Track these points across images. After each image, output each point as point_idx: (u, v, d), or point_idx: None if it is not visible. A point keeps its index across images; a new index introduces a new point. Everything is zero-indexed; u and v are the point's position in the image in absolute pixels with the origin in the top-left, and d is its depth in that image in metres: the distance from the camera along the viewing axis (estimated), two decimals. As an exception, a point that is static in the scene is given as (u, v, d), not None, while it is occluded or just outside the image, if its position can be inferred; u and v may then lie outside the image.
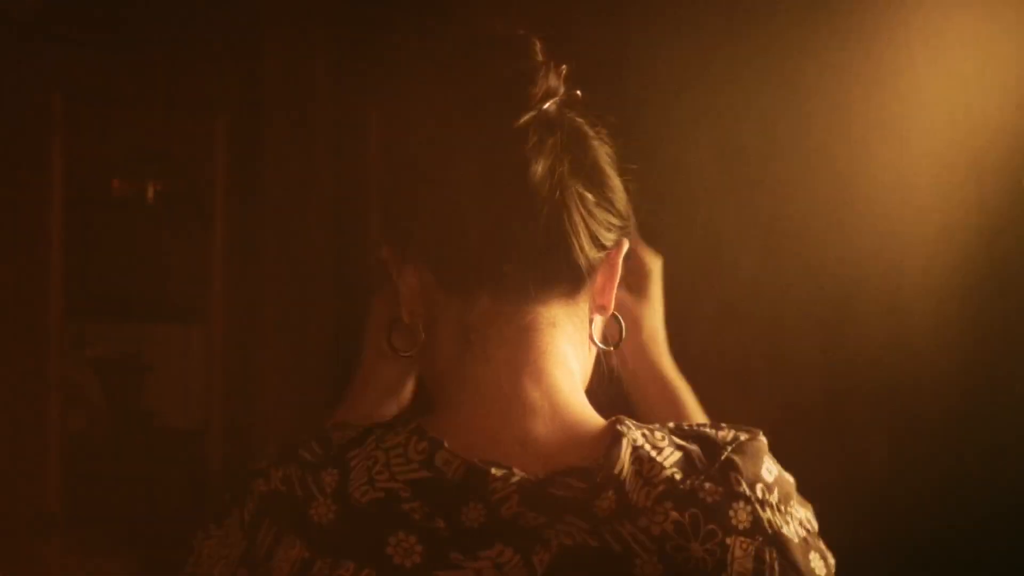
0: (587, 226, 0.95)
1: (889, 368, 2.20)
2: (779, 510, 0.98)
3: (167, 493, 3.24)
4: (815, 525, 1.01)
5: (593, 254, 0.95)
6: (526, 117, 0.93)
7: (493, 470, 0.89)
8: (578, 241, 0.94)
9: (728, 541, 0.92)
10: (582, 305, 0.98)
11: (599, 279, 0.98)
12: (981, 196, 2.11)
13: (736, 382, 2.36)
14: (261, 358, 2.80)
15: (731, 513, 0.94)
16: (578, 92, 0.98)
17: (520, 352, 0.95)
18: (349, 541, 0.87)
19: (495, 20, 1.04)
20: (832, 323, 2.28)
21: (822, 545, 1.00)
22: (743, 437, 0.98)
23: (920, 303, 2.18)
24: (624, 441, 0.92)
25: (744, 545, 0.93)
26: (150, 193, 3.16)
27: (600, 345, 1.00)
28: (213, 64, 2.83)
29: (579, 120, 0.98)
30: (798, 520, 0.99)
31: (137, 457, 3.32)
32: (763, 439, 1.00)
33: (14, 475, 2.58)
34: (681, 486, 0.92)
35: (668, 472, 0.92)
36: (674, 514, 0.91)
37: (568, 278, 0.95)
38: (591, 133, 0.98)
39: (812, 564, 0.97)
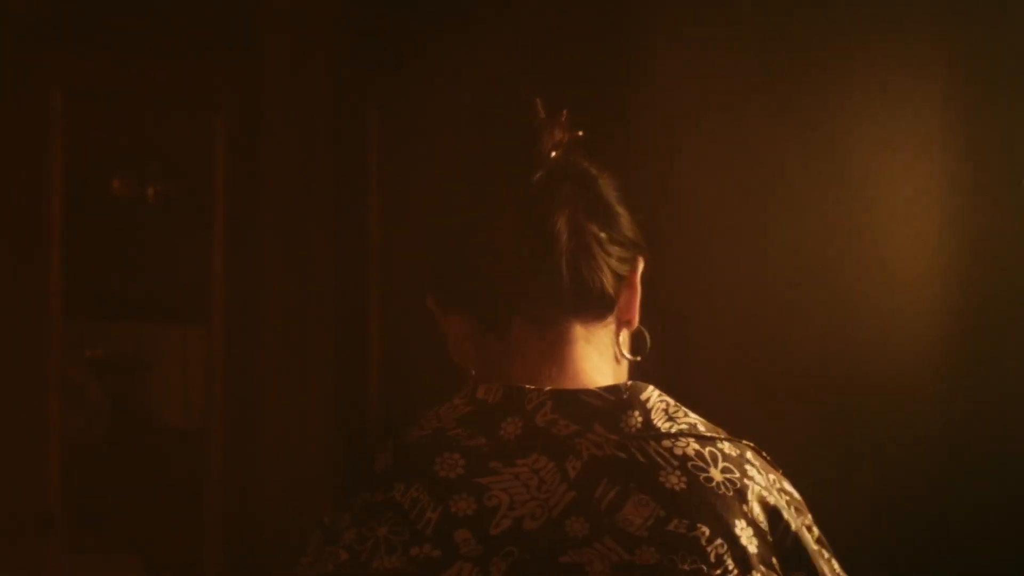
0: (607, 263, 1.06)
1: (889, 369, 2.20)
2: (789, 507, 1.03)
3: (167, 493, 3.24)
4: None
5: (615, 285, 1.07)
6: (539, 174, 1.06)
7: (528, 386, 1.01)
8: (601, 277, 1.06)
9: (746, 482, 1.01)
10: (609, 322, 1.08)
11: (622, 299, 1.08)
12: (981, 196, 2.11)
13: (739, 387, 2.36)
14: (261, 358, 2.80)
15: (747, 467, 1.02)
16: (579, 133, 1.10)
17: (556, 359, 1.05)
18: (399, 470, 0.98)
19: (501, 82, 1.19)
20: (833, 324, 2.28)
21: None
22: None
23: (920, 305, 2.17)
24: (652, 387, 1.04)
25: (760, 492, 1.01)
26: (150, 193, 3.16)
27: (628, 357, 1.10)
28: (213, 64, 2.83)
29: (584, 164, 1.10)
30: (814, 539, 1.04)
31: (137, 457, 3.32)
32: None
33: (14, 475, 2.58)
34: (702, 432, 1.02)
35: (692, 420, 1.04)
36: (695, 445, 1.01)
37: (596, 307, 1.07)
38: (595, 172, 1.10)
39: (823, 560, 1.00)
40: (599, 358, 1.07)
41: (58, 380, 2.64)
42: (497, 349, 1.06)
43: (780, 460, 1.09)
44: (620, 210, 1.09)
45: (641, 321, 1.11)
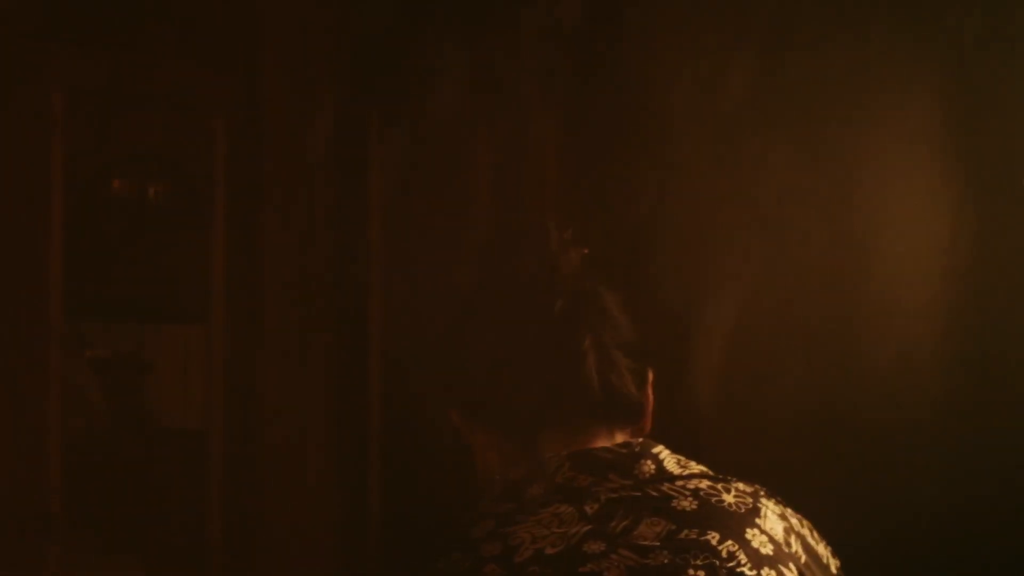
0: (633, 381, 1.14)
1: (889, 369, 2.20)
2: (811, 531, 1.09)
3: (167, 493, 3.24)
4: None
5: (641, 397, 1.15)
6: (560, 303, 1.14)
7: (548, 454, 1.09)
8: (629, 383, 1.14)
9: (759, 505, 1.05)
10: (637, 430, 1.15)
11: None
12: (981, 196, 2.11)
13: (738, 387, 2.36)
14: (261, 358, 2.80)
15: (761, 499, 1.07)
16: (585, 251, 1.18)
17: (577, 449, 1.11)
18: (443, 549, 1.06)
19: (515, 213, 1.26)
20: (833, 323, 2.28)
21: None
22: None
23: (920, 304, 2.17)
24: (662, 446, 1.11)
25: (776, 514, 1.05)
26: (150, 193, 3.16)
27: None
28: (213, 64, 2.83)
29: (597, 287, 1.18)
30: (835, 567, 1.09)
31: (137, 457, 3.31)
32: None
33: (14, 475, 2.58)
34: (714, 475, 1.08)
35: (703, 468, 1.09)
36: (708, 482, 1.07)
37: (627, 413, 1.15)
38: (602, 290, 1.18)
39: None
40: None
41: (58, 380, 2.64)
42: (529, 469, 1.11)
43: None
44: (625, 321, 1.17)
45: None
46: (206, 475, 2.82)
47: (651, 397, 1.18)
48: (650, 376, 1.18)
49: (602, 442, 1.12)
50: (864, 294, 2.25)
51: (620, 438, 1.14)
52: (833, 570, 1.07)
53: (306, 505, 2.77)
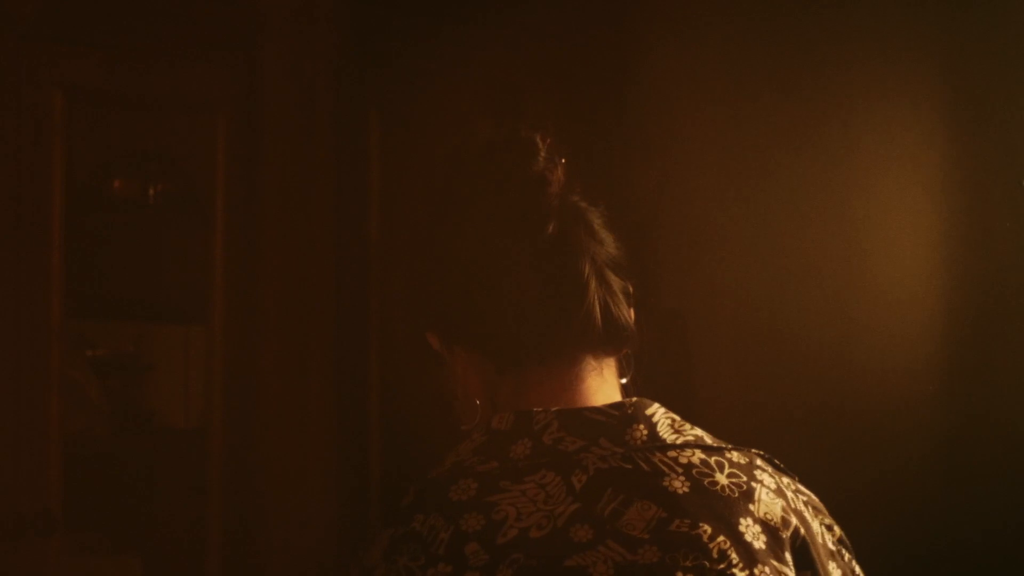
0: (624, 298, 1.10)
1: (889, 369, 2.20)
2: (807, 507, 1.04)
3: (167, 493, 3.24)
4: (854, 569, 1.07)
5: (631, 319, 1.11)
6: (552, 225, 1.08)
7: (536, 408, 1.03)
8: (627, 314, 1.10)
9: (754, 484, 1.01)
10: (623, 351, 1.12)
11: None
12: (981, 196, 2.11)
13: (738, 387, 2.36)
14: (261, 358, 2.80)
15: (756, 472, 1.03)
16: (563, 160, 1.13)
17: (570, 395, 1.07)
18: (419, 504, 1.01)
19: (501, 122, 1.19)
20: (832, 323, 2.28)
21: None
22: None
23: (920, 304, 2.17)
24: (657, 404, 1.06)
25: (770, 492, 1.01)
26: (150, 193, 3.16)
27: (621, 380, 1.13)
28: (213, 64, 2.83)
29: (582, 203, 1.12)
30: (832, 539, 1.05)
31: (137, 457, 3.31)
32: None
33: (14, 475, 2.58)
34: (708, 443, 1.03)
35: (698, 432, 1.05)
36: (701, 455, 1.02)
37: (620, 342, 1.10)
38: (587, 206, 1.13)
39: (829, 568, 0.99)
40: (608, 385, 1.10)
41: (58, 380, 2.64)
42: (509, 386, 1.08)
43: (779, 457, 1.09)
44: (611, 238, 1.13)
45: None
46: (206, 475, 2.82)
47: (633, 314, 1.13)
48: (631, 291, 1.13)
49: (592, 375, 1.08)
50: (864, 293, 2.26)
51: (607, 369, 1.10)
52: (831, 545, 1.03)
53: (306, 505, 2.77)
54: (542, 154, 1.12)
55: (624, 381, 1.12)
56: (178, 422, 3.41)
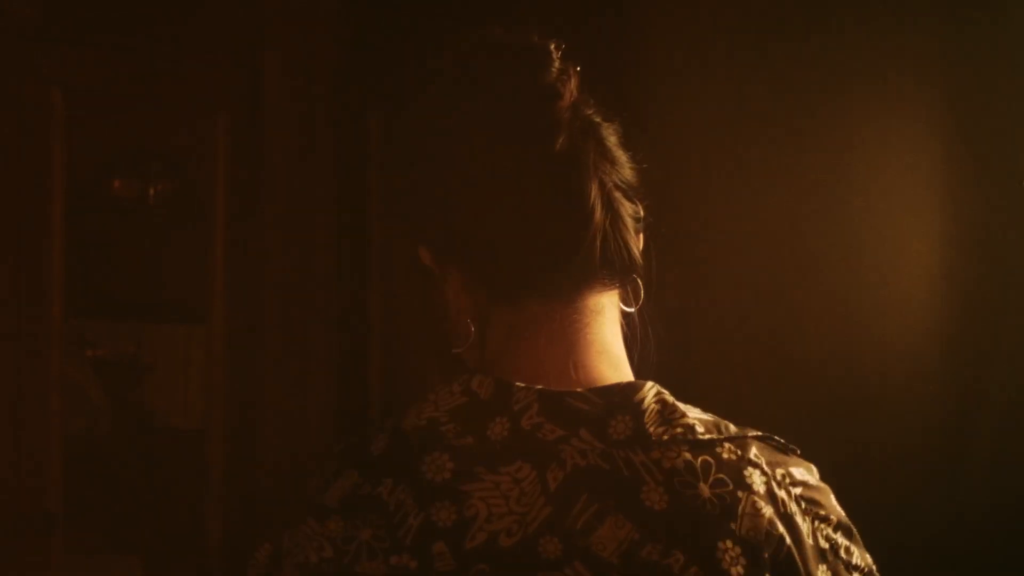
0: (632, 227, 1.02)
1: (888, 368, 2.20)
2: (799, 504, 0.98)
3: (167, 493, 3.24)
4: (865, 561, 1.01)
5: (639, 247, 1.03)
6: (562, 138, 0.99)
7: (518, 383, 0.96)
8: (633, 247, 1.02)
9: (739, 494, 0.94)
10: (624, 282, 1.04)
11: None
12: (981, 196, 2.11)
13: (737, 386, 2.36)
14: (261, 358, 2.80)
15: (745, 473, 0.96)
16: (578, 68, 1.03)
17: (566, 344, 1.00)
18: (391, 463, 0.95)
19: (506, 27, 1.09)
20: (832, 321, 2.28)
21: None
22: (781, 441, 1.03)
23: (920, 304, 2.17)
24: (651, 384, 0.98)
25: (755, 503, 0.94)
26: (150, 193, 3.16)
27: (627, 308, 1.05)
28: (213, 64, 2.83)
29: (596, 118, 1.04)
30: (825, 535, 0.99)
31: (137, 457, 3.32)
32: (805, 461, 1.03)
33: (14, 475, 2.58)
34: (699, 436, 0.96)
35: (690, 421, 0.97)
36: (687, 455, 0.95)
37: (621, 275, 1.02)
38: (600, 120, 1.04)
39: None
40: (609, 330, 1.03)
41: (58, 380, 2.64)
42: (503, 322, 1.01)
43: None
44: (625, 157, 1.04)
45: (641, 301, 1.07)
46: (206, 475, 2.82)
47: (642, 241, 1.05)
48: (642, 214, 1.04)
49: (593, 319, 1.00)
50: (864, 291, 2.25)
51: (610, 305, 1.02)
52: (823, 543, 0.97)
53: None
54: (555, 63, 1.02)
55: (631, 310, 1.05)
56: (178, 422, 3.41)
